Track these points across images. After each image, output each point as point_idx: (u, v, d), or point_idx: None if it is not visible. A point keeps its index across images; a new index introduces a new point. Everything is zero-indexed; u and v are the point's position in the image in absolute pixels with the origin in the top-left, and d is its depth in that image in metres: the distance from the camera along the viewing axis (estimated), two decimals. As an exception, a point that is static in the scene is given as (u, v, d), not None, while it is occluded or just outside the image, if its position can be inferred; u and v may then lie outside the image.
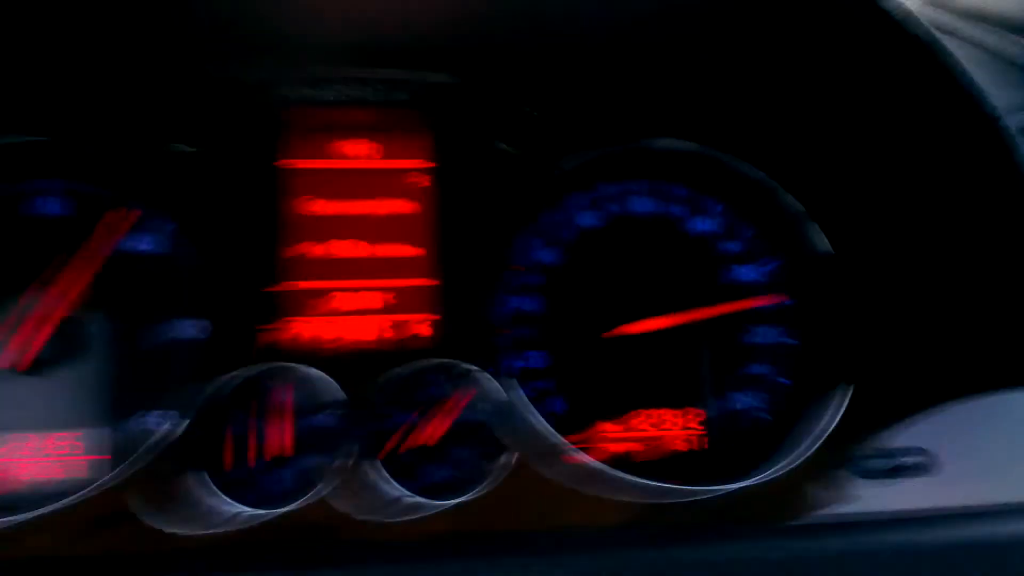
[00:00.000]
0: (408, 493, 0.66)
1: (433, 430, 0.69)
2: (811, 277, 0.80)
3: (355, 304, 0.74)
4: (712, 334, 0.79)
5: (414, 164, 0.77)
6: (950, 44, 0.64)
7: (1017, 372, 0.73)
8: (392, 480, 0.66)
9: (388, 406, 0.69)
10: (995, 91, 0.67)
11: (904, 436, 0.70)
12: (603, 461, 0.72)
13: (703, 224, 0.82)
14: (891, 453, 0.68)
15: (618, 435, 0.77)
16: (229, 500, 0.64)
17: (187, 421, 0.66)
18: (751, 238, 0.82)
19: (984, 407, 0.73)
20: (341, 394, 0.68)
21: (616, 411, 0.77)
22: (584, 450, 0.73)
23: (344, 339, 0.73)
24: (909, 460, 0.68)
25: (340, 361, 0.71)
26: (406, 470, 0.68)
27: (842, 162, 0.76)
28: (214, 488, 0.65)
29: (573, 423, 0.76)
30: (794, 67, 0.71)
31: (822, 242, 0.79)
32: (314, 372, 0.69)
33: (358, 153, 0.77)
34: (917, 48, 0.63)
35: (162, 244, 0.74)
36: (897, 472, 0.67)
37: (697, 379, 0.79)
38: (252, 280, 0.73)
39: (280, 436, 0.68)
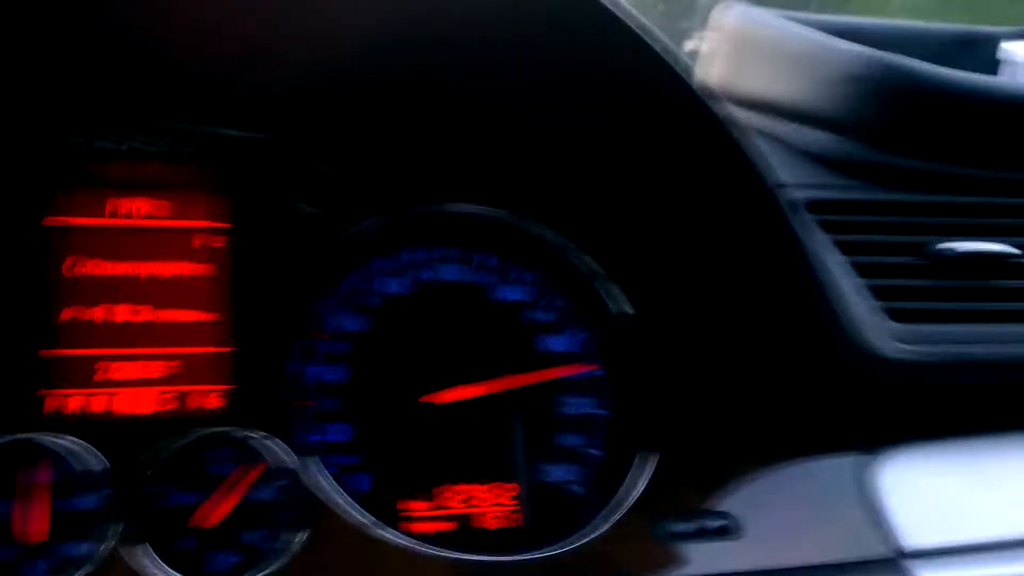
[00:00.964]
0: (178, 580, 0.59)
1: (215, 509, 0.62)
2: (617, 344, 0.80)
3: (133, 373, 0.67)
4: (524, 406, 0.77)
5: (205, 223, 0.72)
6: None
7: (817, 438, 0.76)
8: (165, 567, 0.59)
9: (161, 483, 0.62)
10: (781, 171, 0.72)
11: (709, 501, 0.70)
12: (410, 538, 0.68)
13: (512, 293, 0.81)
14: (695, 516, 0.68)
15: (427, 513, 0.72)
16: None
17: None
18: (561, 307, 0.82)
19: (786, 472, 0.74)
20: (105, 470, 0.61)
21: (425, 488, 0.73)
22: (389, 528, 0.68)
23: (116, 410, 0.66)
24: (712, 524, 0.68)
25: (109, 434, 0.63)
26: (183, 555, 0.61)
27: (640, 225, 0.79)
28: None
29: (379, 501, 0.71)
30: (598, 135, 0.73)
31: (625, 305, 0.80)
32: (76, 445, 0.61)
33: (143, 211, 0.71)
34: (713, 122, 0.67)
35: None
36: (701, 535, 0.67)
37: (509, 452, 0.76)
38: (12, 346, 0.65)
39: (35, 519, 0.59)
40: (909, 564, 0.69)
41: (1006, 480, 0.77)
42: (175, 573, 0.59)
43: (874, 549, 0.70)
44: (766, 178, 0.68)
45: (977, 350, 0.77)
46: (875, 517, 0.72)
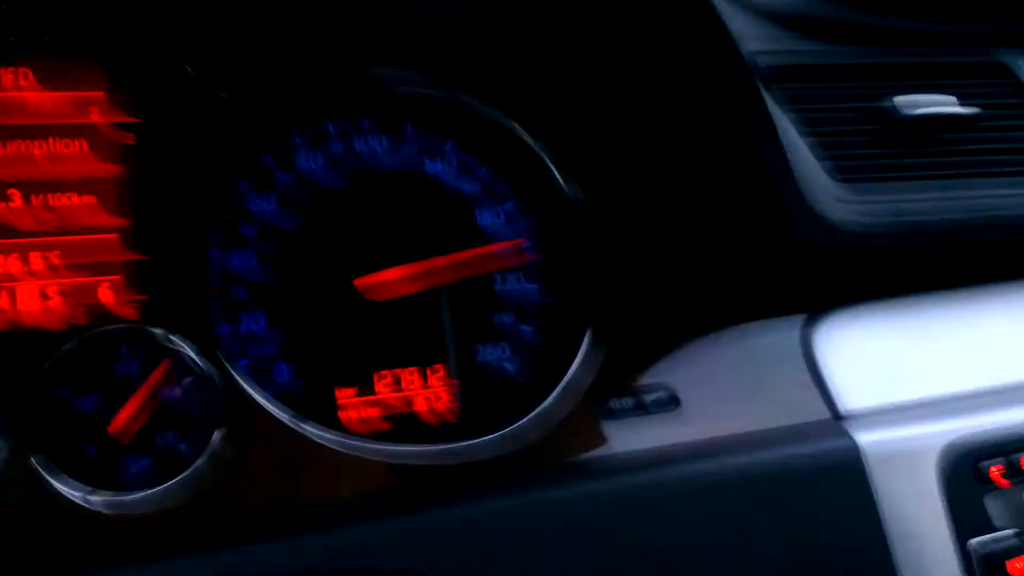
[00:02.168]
0: (90, 490, 0.54)
1: (119, 416, 0.57)
2: (557, 224, 0.75)
3: (12, 268, 0.60)
4: (456, 288, 0.73)
5: (87, 97, 0.63)
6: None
7: (758, 307, 0.74)
8: (66, 476, 0.54)
9: (59, 388, 0.56)
10: (739, 33, 0.66)
11: (647, 377, 0.68)
12: (339, 430, 0.64)
13: (454, 177, 0.74)
14: (635, 392, 0.66)
15: (353, 401, 0.68)
16: None
17: None
18: (505, 192, 0.76)
19: (726, 344, 0.72)
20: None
21: (352, 376, 0.69)
22: (315, 420, 0.65)
23: (6, 311, 0.59)
24: (651, 397, 0.66)
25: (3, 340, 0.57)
26: (89, 463, 0.56)
27: (589, 105, 0.73)
28: None
29: (302, 393, 0.67)
30: (543, 9, 0.66)
31: (573, 190, 0.75)
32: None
33: (13, 84, 0.62)
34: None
35: None
36: (642, 410, 0.65)
37: (441, 336, 0.72)
38: None
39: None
40: (847, 426, 0.68)
41: (942, 337, 0.77)
42: (74, 483, 0.54)
43: (812, 414, 0.69)
44: (738, 46, 0.62)
45: (926, 213, 0.75)
46: (813, 382, 0.71)
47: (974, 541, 0.64)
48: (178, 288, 0.63)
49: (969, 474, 0.68)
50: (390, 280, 0.70)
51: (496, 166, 0.76)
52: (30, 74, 0.63)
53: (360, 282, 0.69)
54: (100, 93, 0.64)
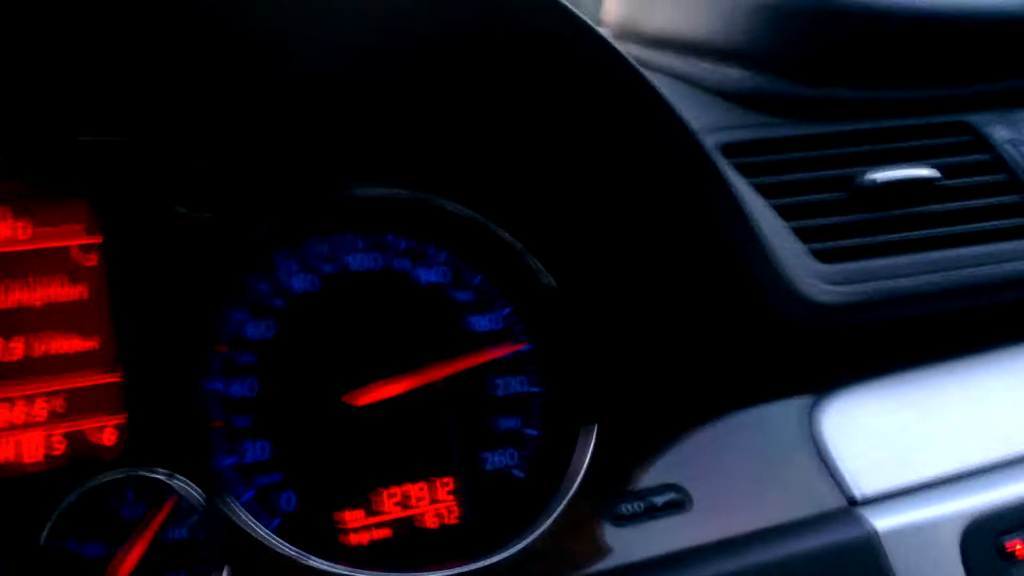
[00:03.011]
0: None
1: (124, 562, 0.57)
2: (543, 318, 0.75)
3: (15, 417, 0.60)
4: (453, 393, 0.72)
5: (73, 241, 0.64)
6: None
7: (754, 391, 0.74)
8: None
9: (61, 544, 0.56)
10: (691, 114, 0.67)
11: (654, 472, 0.68)
12: (346, 556, 0.63)
13: (428, 275, 0.75)
14: (642, 494, 0.65)
15: (361, 523, 0.67)
16: None
17: None
18: (480, 285, 0.76)
19: (728, 432, 0.72)
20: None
21: (356, 496, 0.68)
22: (322, 552, 0.63)
23: (0, 463, 0.59)
24: (661, 500, 0.65)
25: (-6, 494, 0.57)
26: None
27: (555, 195, 0.74)
28: None
29: (308, 519, 0.66)
30: (500, 102, 0.68)
31: (546, 278, 0.75)
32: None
33: (3, 236, 0.63)
34: (620, 79, 0.61)
35: None
36: (650, 513, 0.64)
37: (443, 445, 0.71)
38: None
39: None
40: (862, 512, 0.67)
41: (948, 410, 0.77)
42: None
43: (826, 502, 0.68)
44: (687, 126, 0.63)
45: (904, 283, 0.75)
46: (823, 468, 0.70)
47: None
48: (178, 423, 0.63)
49: (991, 550, 0.67)
50: (388, 393, 0.70)
51: (473, 263, 0.77)
52: (21, 221, 0.64)
53: (357, 398, 0.69)
54: (80, 226, 0.65)
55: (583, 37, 0.60)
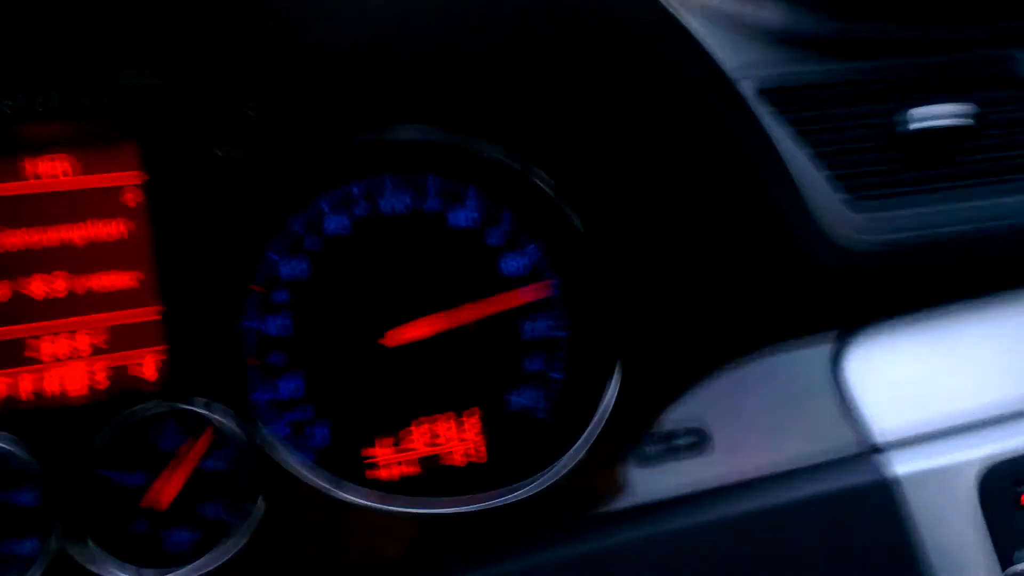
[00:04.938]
0: (136, 570, 0.56)
1: (165, 488, 0.59)
2: (572, 260, 0.76)
3: (57, 351, 0.63)
4: (482, 334, 0.74)
5: (119, 181, 0.66)
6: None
7: (779, 335, 0.74)
8: (113, 560, 0.56)
9: (103, 471, 0.58)
10: (728, 53, 0.67)
11: (677, 417, 0.69)
12: (376, 489, 0.65)
13: (461, 217, 0.76)
14: (666, 436, 0.66)
15: (390, 459, 0.70)
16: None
17: None
18: (512, 228, 0.77)
19: (751, 374, 0.73)
20: (37, 464, 0.56)
21: (387, 431, 0.70)
22: (354, 481, 0.66)
23: (45, 393, 0.61)
24: (683, 442, 0.66)
25: (39, 421, 0.59)
26: (136, 540, 0.58)
27: (588, 137, 0.74)
28: None
29: (339, 454, 0.68)
30: (535, 46, 0.67)
31: (577, 221, 0.76)
32: (6, 441, 0.57)
33: (51, 172, 0.64)
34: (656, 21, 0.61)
35: None
36: (673, 455, 0.65)
37: (471, 383, 0.73)
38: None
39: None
40: (882, 457, 0.68)
41: (970, 357, 0.76)
42: (122, 566, 0.56)
43: (846, 446, 0.69)
44: (724, 69, 0.62)
45: (938, 232, 0.75)
46: (844, 412, 0.71)
47: (1018, 567, 0.64)
48: (216, 359, 0.65)
49: (1009, 499, 0.67)
50: (421, 333, 0.72)
51: (513, 209, 0.77)
52: (67, 161, 0.65)
53: (391, 337, 0.71)
54: (126, 167, 0.66)
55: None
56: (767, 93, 0.78)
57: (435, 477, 0.70)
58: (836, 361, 0.74)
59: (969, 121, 0.80)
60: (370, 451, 0.69)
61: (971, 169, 0.79)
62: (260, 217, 0.69)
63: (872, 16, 0.85)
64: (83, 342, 0.63)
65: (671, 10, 0.61)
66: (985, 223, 0.76)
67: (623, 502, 0.64)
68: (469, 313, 0.73)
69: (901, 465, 0.67)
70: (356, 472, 0.68)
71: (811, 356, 0.74)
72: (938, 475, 0.67)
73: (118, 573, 0.56)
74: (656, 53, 0.62)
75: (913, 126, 0.78)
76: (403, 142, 0.74)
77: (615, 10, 0.62)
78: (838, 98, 0.80)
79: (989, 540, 0.65)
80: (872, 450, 0.69)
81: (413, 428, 0.71)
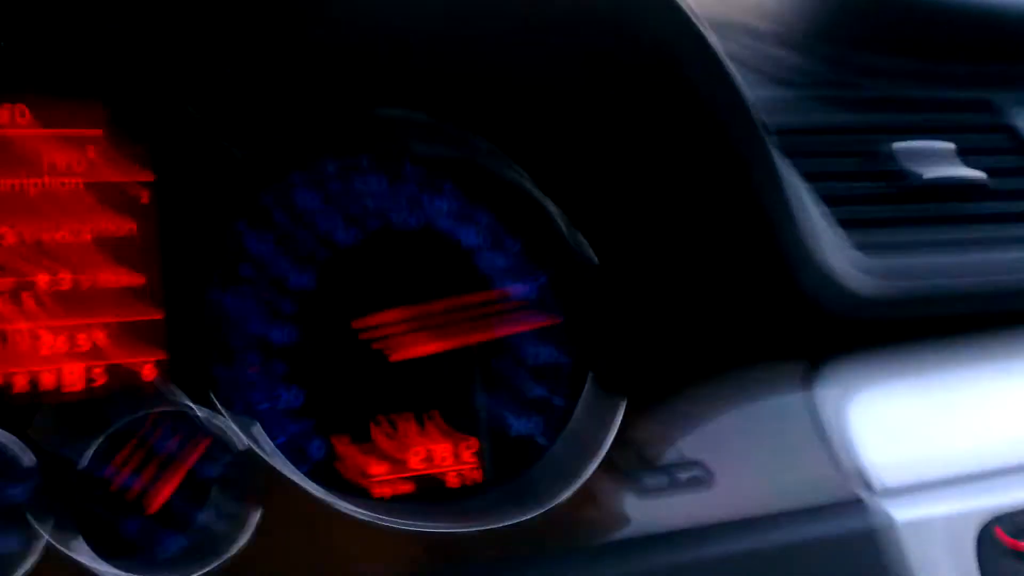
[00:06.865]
0: (121, 573, 0.54)
1: (158, 491, 0.58)
2: (578, 291, 0.76)
3: (57, 347, 0.62)
4: (485, 356, 0.73)
5: (128, 177, 0.65)
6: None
7: (784, 376, 0.74)
8: (100, 560, 0.54)
9: (97, 469, 0.57)
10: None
11: (678, 450, 0.68)
12: (370, 508, 0.64)
13: (467, 236, 0.76)
14: (666, 469, 0.66)
15: (386, 476, 0.69)
16: None
17: None
18: (517, 252, 0.77)
19: (753, 412, 0.73)
20: (31, 458, 0.55)
21: (384, 450, 0.69)
22: (348, 497, 0.65)
23: (41, 390, 0.60)
24: (684, 475, 0.66)
25: (35, 417, 0.58)
26: (126, 543, 0.56)
27: (604, 170, 0.74)
28: None
29: (335, 468, 0.67)
30: (563, 67, 0.68)
31: (588, 253, 0.76)
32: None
33: (54, 166, 0.64)
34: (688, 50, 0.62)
35: None
36: (673, 488, 0.65)
37: (470, 407, 0.73)
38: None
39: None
40: (881, 502, 0.68)
41: (973, 407, 0.77)
42: (110, 567, 0.55)
43: (846, 490, 0.68)
44: (749, 106, 0.63)
45: (946, 283, 0.75)
46: (846, 457, 0.71)
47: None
48: (215, 365, 0.64)
49: (1006, 551, 0.67)
50: (392, 323, 0.71)
51: (503, 218, 0.77)
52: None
53: (360, 324, 0.70)
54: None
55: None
56: (779, 132, 0.79)
57: (430, 497, 0.69)
58: (839, 408, 0.74)
59: (974, 175, 0.81)
60: (367, 467, 0.68)
61: (976, 222, 0.81)
62: (264, 225, 0.69)
63: (871, 53, 0.87)
64: (83, 340, 0.62)
65: (710, 43, 0.61)
66: (993, 277, 0.76)
67: (620, 533, 0.63)
68: (472, 336, 0.73)
69: (900, 511, 0.67)
70: (351, 486, 0.67)
71: (814, 402, 0.74)
72: (936, 523, 0.67)
73: (107, 573, 0.54)
74: (681, 75, 0.63)
75: (917, 177, 0.80)
76: (426, 157, 0.74)
77: (641, 27, 0.62)
78: (840, 142, 0.82)
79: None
80: (872, 495, 0.69)
81: (410, 448, 0.70)
